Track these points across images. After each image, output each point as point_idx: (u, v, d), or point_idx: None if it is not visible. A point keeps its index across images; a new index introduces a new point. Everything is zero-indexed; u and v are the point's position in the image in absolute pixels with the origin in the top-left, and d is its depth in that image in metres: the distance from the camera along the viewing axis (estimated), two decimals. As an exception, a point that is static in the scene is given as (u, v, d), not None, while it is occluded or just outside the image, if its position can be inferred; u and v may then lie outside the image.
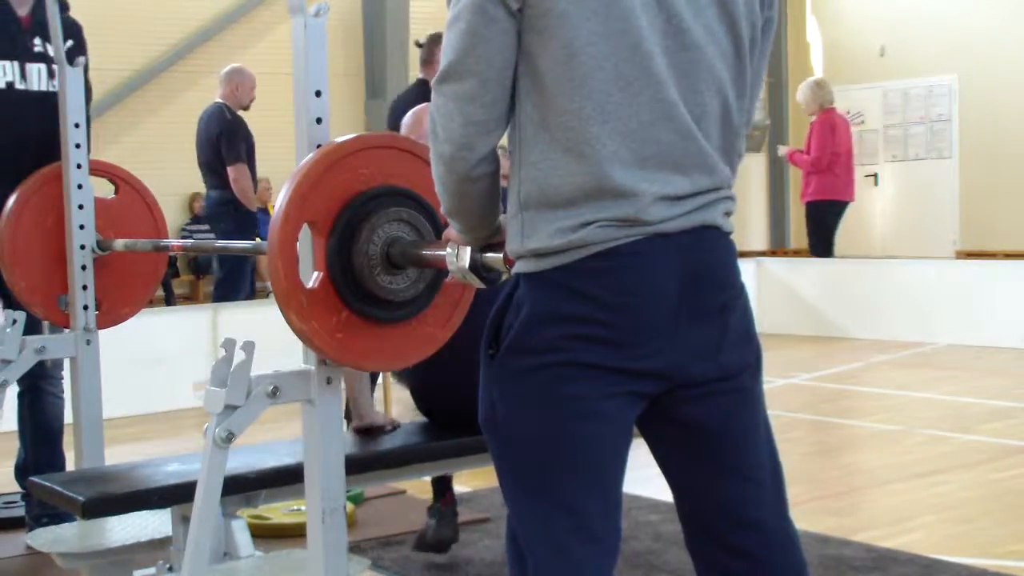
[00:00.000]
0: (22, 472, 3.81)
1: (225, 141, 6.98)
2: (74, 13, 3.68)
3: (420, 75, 6.32)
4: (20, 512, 3.96)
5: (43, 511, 3.61)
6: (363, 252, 2.03)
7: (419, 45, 6.38)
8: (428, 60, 6.13)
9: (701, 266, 1.65)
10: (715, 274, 1.67)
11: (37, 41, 3.62)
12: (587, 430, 1.64)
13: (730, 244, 1.71)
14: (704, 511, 1.77)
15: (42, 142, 3.45)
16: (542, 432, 1.65)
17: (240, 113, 7.14)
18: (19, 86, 3.60)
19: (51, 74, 3.60)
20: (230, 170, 6.97)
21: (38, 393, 3.72)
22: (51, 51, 3.59)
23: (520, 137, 1.65)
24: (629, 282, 1.61)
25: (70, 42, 3.41)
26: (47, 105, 3.53)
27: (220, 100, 7.14)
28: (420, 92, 5.80)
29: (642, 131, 1.60)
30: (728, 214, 1.70)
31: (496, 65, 1.61)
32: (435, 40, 6.11)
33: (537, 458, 1.66)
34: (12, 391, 3.30)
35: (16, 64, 3.59)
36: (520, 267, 1.66)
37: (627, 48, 1.59)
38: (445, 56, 1.64)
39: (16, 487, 4.01)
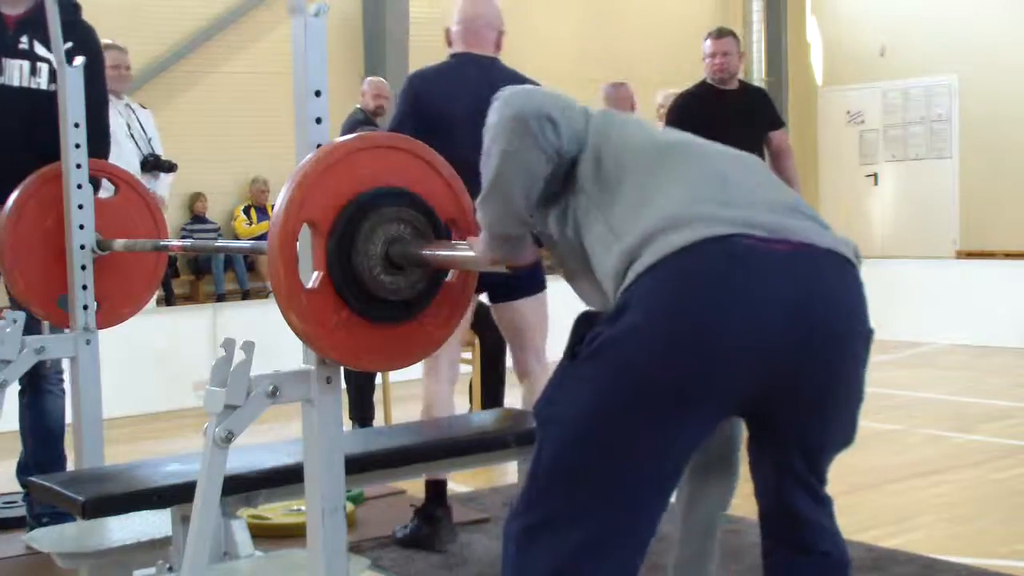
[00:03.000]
0: (24, 470, 3.81)
1: None
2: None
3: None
4: (20, 512, 3.96)
5: (43, 510, 3.61)
6: (363, 252, 2.03)
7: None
8: None
9: None
10: None
11: (24, 39, 3.62)
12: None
13: None
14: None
15: (25, 138, 3.47)
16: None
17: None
18: (12, 83, 3.61)
19: (33, 71, 3.61)
20: None
21: (39, 392, 3.72)
22: (39, 50, 3.61)
23: None
24: None
25: (69, 43, 3.39)
26: (28, 101, 3.55)
27: (358, 105, 7.66)
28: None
29: None
30: None
31: None
32: None
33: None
34: (12, 390, 3.30)
35: None
36: None
37: None
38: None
39: (17, 487, 4.01)
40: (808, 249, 1.65)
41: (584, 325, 1.70)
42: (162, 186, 6.53)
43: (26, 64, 3.62)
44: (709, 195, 1.67)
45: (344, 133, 7.17)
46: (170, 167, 6.51)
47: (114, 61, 6.34)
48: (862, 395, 1.84)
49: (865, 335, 1.76)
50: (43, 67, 3.63)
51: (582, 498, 1.66)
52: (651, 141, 1.81)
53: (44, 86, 3.63)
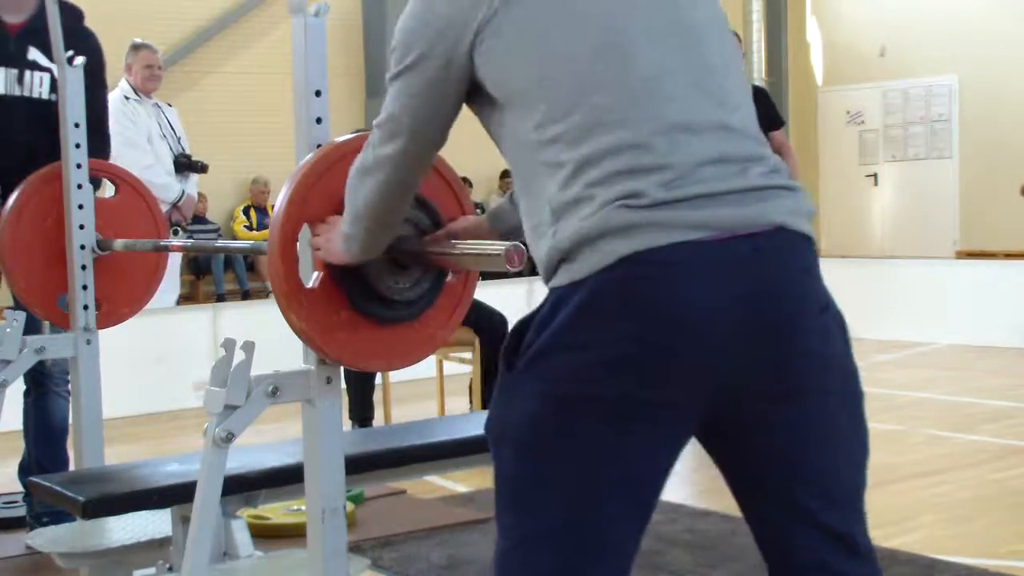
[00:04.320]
0: (26, 471, 3.82)
1: None
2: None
3: None
4: (20, 512, 3.96)
5: (44, 510, 3.61)
6: None
7: None
8: None
9: None
10: None
11: (28, 49, 3.62)
12: None
13: None
14: None
15: (26, 149, 3.50)
16: None
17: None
18: (15, 92, 3.62)
19: (33, 80, 3.63)
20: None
21: (44, 392, 3.73)
22: (41, 60, 3.62)
23: None
24: None
25: (71, 52, 3.36)
26: (29, 111, 3.59)
27: None
28: None
29: None
30: None
31: None
32: None
33: None
34: (13, 390, 3.32)
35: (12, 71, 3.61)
36: None
37: None
38: None
39: (18, 486, 4.02)
40: (749, 239, 1.48)
41: (518, 332, 1.56)
42: (191, 186, 6.52)
43: (27, 73, 3.62)
44: (648, 173, 1.47)
45: None
46: (202, 168, 6.48)
47: (147, 61, 6.33)
48: (848, 386, 1.58)
49: (818, 314, 1.53)
50: (45, 77, 3.63)
51: (545, 519, 1.55)
52: (570, 87, 1.53)
53: (45, 96, 3.64)
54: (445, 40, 1.60)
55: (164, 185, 6.18)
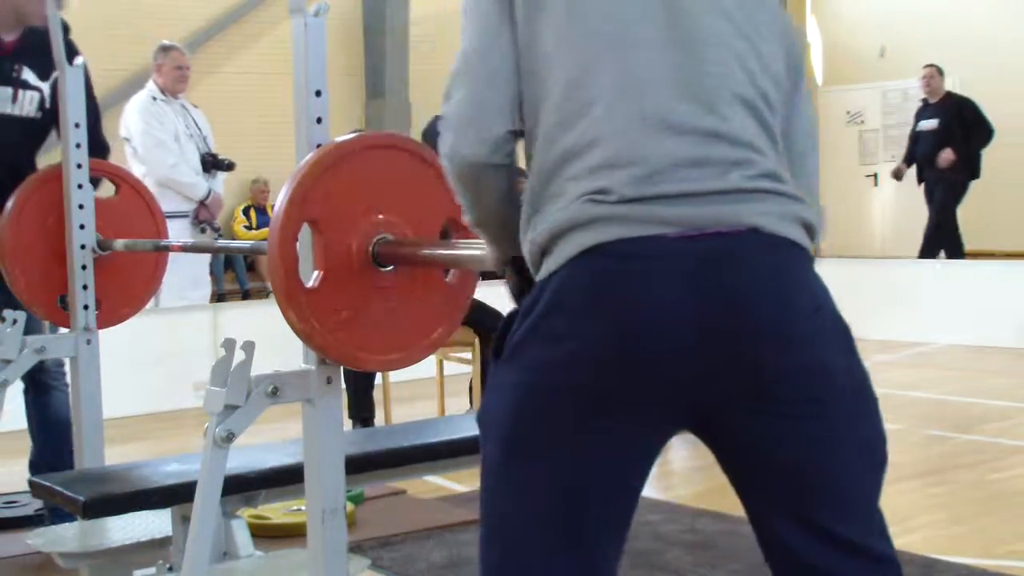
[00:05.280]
0: (36, 468, 3.82)
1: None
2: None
3: None
4: (21, 512, 3.97)
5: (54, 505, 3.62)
6: None
7: None
8: None
9: None
10: None
11: (17, 68, 3.63)
12: None
13: None
14: None
15: (21, 165, 3.52)
16: None
17: None
18: (9, 111, 3.63)
19: (27, 99, 3.65)
20: None
21: (42, 389, 3.73)
22: (31, 79, 3.62)
23: None
24: None
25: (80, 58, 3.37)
26: (21, 129, 3.60)
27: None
28: None
29: None
30: None
31: None
32: None
33: None
34: (13, 390, 3.32)
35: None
36: None
37: None
38: None
39: (17, 487, 4.02)
40: (717, 237, 1.45)
41: (508, 322, 1.56)
42: (218, 184, 6.61)
43: (19, 92, 3.64)
44: (620, 170, 1.47)
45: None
46: (229, 166, 6.57)
47: (178, 62, 6.43)
48: (855, 389, 1.54)
49: (808, 316, 1.49)
50: (35, 96, 3.64)
51: (515, 511, 1.53)
52: (564, 77, 1.54)
53: (34, 114, 3.64)
54: None
55: (191, 184, 6.31)
